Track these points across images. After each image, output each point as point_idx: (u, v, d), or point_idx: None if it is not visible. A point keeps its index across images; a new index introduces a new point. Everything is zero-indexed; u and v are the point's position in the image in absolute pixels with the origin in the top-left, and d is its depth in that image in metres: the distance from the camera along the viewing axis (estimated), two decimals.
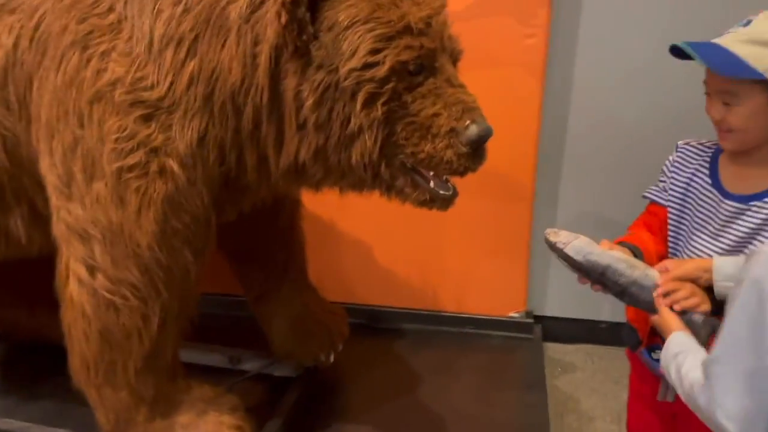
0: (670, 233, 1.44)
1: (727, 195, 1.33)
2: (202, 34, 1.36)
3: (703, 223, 1.37)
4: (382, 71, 1.25)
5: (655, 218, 1.49)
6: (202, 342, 2.10)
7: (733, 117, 1.25)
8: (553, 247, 1.36)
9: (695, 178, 1.41)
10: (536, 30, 2.06)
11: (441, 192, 1.38)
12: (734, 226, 1.31)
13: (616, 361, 2.47)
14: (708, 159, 1.40)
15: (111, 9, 1.39)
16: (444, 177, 1.40)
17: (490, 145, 1.35)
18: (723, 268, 1.24)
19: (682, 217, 1.42)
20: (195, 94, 1.38)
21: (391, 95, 1.28)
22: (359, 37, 1.25)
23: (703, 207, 1.38)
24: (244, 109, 1.38)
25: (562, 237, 1.36)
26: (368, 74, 1.25)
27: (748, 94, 1.22)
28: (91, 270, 1.45)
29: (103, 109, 1.38)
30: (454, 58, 1.38)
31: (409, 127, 1.30)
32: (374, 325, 2.47)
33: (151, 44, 1.37)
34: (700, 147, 1.44)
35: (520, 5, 2.05)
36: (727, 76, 1.22)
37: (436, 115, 1.29)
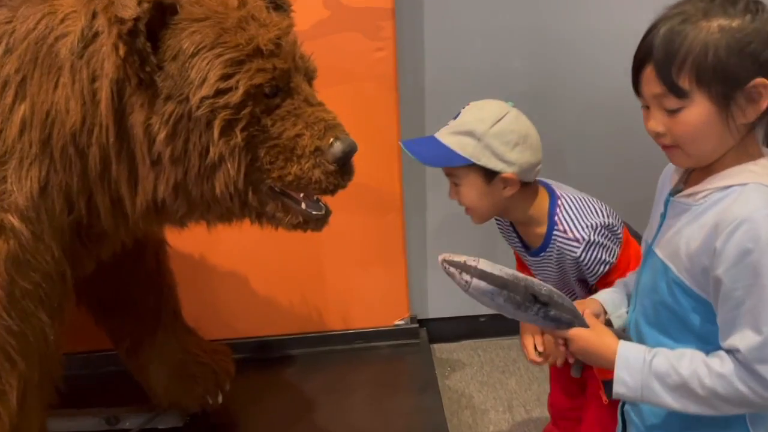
0: None
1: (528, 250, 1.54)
2: (29, 74, 1.24)
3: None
4: (236, 96, 1.20)
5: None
6: (72, 407, 1.93)
7: (463, 198, 1.44)
8: (464, 267, 1.08)
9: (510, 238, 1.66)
10: (384, 43, 2.10)
11: (314, 212, 1.36)
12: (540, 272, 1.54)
13: (499, 351, 2.57)
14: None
15: None
16: (314, 197, 1.37)
17: (356, 159, 1.35)
18: (609, 300, 1.22)
19: None
20: (30, 141, 1.26)
21: (250, 120, 1.23)
22: (207, 64, 1.20)
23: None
24: (89, 151, 1.28)
25: (463, 257, 1.09)
26: (222, 101, 1.20)
27: (468, 177, 1.40)
28: None
29: None
30: (309, 77, 1.36)
31: (273, 150, 1.27)
32: (261, 357, 2.39)
33: None
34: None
35: (365, 20, 2.07)
36: (441, 166, 1.42)
37: (299, 135, 1.26)
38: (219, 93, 1.20)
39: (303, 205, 1.35)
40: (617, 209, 1.53)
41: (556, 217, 1.43)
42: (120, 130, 1.25)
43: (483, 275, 1.07)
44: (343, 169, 1.30)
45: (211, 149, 1.23)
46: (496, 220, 1.60)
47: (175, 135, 1.22)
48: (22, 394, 1.35)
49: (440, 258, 1.11)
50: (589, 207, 1.45)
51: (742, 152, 1.01)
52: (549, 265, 1.49)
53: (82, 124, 1.25)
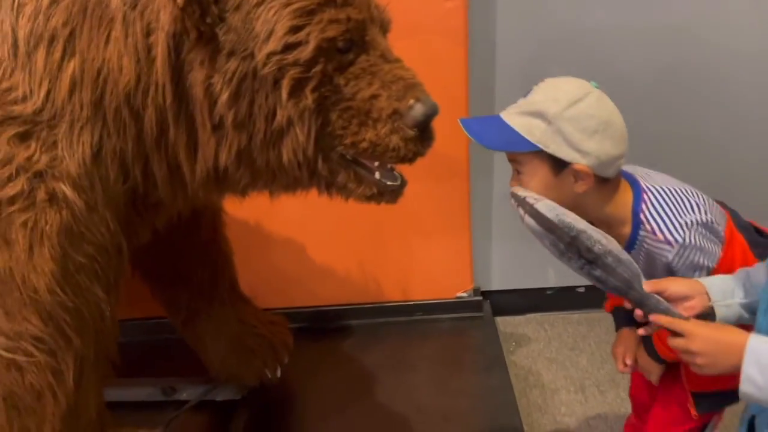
0: None
1: None
2: (78, 28, 1.12)
3: None
4: (306, 52, 1.06)
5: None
6: (127, 377, 1.87)
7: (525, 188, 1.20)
8: (522, 202, 1.14)
9: None
10: None
11: (389, 183, 1.22)
12: None
13: (568, 326, 2.42)
14: None
15: None
16: (389, 165, 1.24)
17: None
18: (714, 285, 1.09)
19: None
20: (80, 102, 1.14)
21: (321, 78, 1.09)
22: (274, 14, 1.05)
23: None
24: (144, 113, 1.16)
25: (531, 193, 1.15)
26: (291, 57, 1.06)
27: (533, 165, 1.19)
28: None
29: None
30: (384, 29, 1.21)
31: (346, 113, 1.13)
32: (317, 327, 2.30)
33: (15, 46, 1.12)
34: None
35: None
36: (504, 151, 1.21)
37: (375, 96, 1.12)
38: (287, 48, 1.06)
39: (377, 175, 1.21)
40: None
41: (641, 215, 1.21)
42: (178, 90, 1.12)
43: (535, 214, 1.11)
44: (423, 134, 1.16)
45: (278, 112, 1.10)
46: None
47: (239, 96, 1.09)
48: (79, 373, 1.27)
49: (510, 189, 1.18)
50: (682, 200, 1.22)
51: None
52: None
53: (136, 84, 1.13)
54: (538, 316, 2.50)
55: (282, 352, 1.94)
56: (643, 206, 1.21)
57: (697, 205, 1.22)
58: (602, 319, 2.41)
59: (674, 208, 1.21)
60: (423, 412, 1.90)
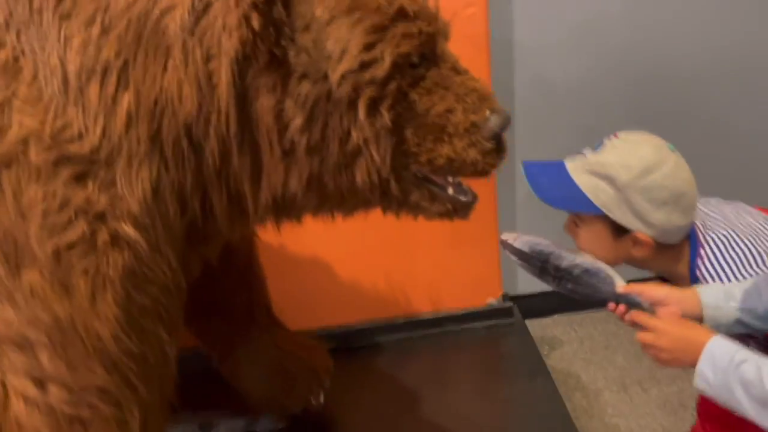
0: None
1: None
2: (132, 58, 1.06)
3: None
4: (382, 69, 1.01)
5: None
6: None
7: (581, 242, 1.22)
8: (504, 244, 1.33)
9: None
10: None
11: (462, 198, 1.18)
12: None
13: (597, 325, 2.41)
14: None
15: (0, 45, 1.05)
16: (458, 180, 1.20)
17: None
18: (709, 292, 1.09)
19: None
20: (137, 136, 1.08)
21: (396, 96, 1.05)
22: (346, 32, 1.01)
23: None
24: (205, 144, 1.10)
25: (513, 235, 1.32)
26: (367, 75, 1.01)
27: (593, 225, 1.19)
28: (41, 383, 1.12)
29: (17, 176, 1.04)
30: (447, 40, 1.17)
31: (420, 130, 1.08)
32: (349, 347, 2.24)
33: (66, 82, 1.05)
34: None
35: None
36: (563, 209, 1.20)
37: (450, 110, 1.07)
38: (363, 66, 1.01)
39: (450, 191, 1.17)
40: None
41: (698, 272, 1.18)
42: (242, 117, 1.07)
43: (513, 251, 1.30)
44: (498, 146, 1.12)
45: (353, 133, 1.05)
46: None
47: (313, 120, 1.04)
48: (144, 421, 1.20)
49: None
50: (739, 255, 1.15)
51: None
52: None
53: (197, 113, 1.07)
54: (564, 317, 2.48)
55: (324, 376, 1.88)
56: (700, 262, 1.18)
57: (754, 258, 1.16)
58: None
59: (731, 264, 1.16)
60: (473, 424, 1.86)
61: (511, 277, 2.39)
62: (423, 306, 2.29)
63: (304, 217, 1.25)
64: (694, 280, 1.19)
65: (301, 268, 2.18)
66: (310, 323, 2.18)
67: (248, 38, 0.98)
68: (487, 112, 1.08)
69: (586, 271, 1.15)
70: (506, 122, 1.10)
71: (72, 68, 1.04)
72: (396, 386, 2.06)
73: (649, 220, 1.13)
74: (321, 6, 1.00)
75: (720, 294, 1.09)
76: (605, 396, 2.07)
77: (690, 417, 1.96)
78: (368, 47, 1.01)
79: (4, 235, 1.06)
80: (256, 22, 0.95)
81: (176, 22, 1.03)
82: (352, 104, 1.03)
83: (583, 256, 1.18)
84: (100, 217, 1.07)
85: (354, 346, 2.24)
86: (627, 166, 1.13)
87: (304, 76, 1.02)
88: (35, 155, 1.03)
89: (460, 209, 1.18)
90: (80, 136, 1.05)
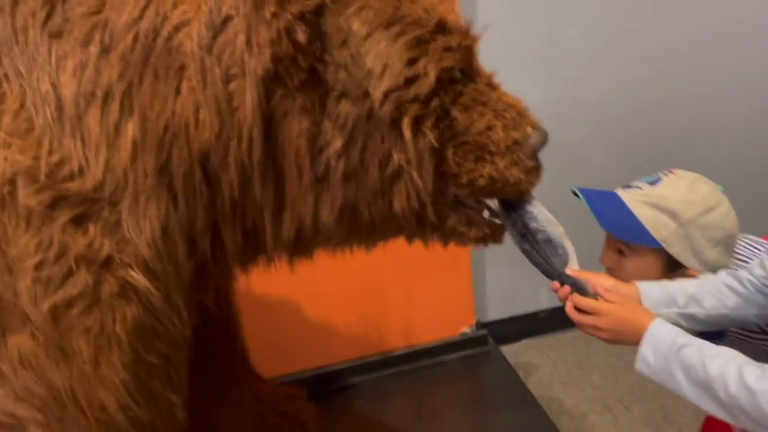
0: None
1: None
2: (137, 80, 0.92)
3: None
4: (426, 85, 0.94)
5: None
6: None
7: (625, 275, 1.17)
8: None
9: None
10: None
11: (497, 221, 1.11)
12: None
13: (567, 346, 2.40)
14: None
15: None
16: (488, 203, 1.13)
17: None
18: (651, 292, 1.09)
19: None
20: (144, 169, 0.93)
21: (440, 114, 0.97)
22: (386, 47, 0.92)
23: None
24: (222, 174, 0.97)
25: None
26: (411, 92, 0.93)
27: (647, 258, 1.16)
28: None
29: (3, 223, 0.88)
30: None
31: (461, 149, 1.01)
32: (326, 391, 2.10)
33: (60, 109, 0.90)
34: None
35: None
36: (623, 240, 1.17)
37: (491, 128, 1.01)
38: (407, 83, 0.93)
39: (485, 214, 1.10)
40: None
41: None
42: (267, 143, 0.95)
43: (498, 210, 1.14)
44: (537, 164, 1.06)
45: (394, 155, 0.96)
46: None
47: (352, 142, 0.94)
48: None
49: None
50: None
51: None
52: None
53: (216, 140, 0.94)
54: (533, 341, 2.46)
55: (311, 425, 1.74)
56: None
57: None
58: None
59: None
60: None
61: (481, 302, 2.35)
62: (397, 341, 2.20)
63: (322, 251, 1.13)
64: None
65: (271, 312, 2.03)
66: (281, 369, 2.03)
67: (286, 54, 0.87)
68: (528, 129, 1.03)
69: (549, 241, 1.10)
70: (546, 139, 1.05)
71: (67, 93, 0.90)
72: (381, 428, 1.95)
73: (704, 258, 1.13)
74: (358, 20, 0.91)
75: (661, 296, 1.09)
76: (591, 418, 2.05)
77: (658, 416, 1.99)
78: (411, 62, 0.93)
79: None
80: (302, 36, 0.85)
81: (192, 39, 0.91)
82: (395, 123, 0.94)
83: (556, 227, 1.12)
84: (105, 264, 0.92)
85: (330, 390, 2.10)
86: (690, 203, 1.13)
87: (343, 95, 0.92)
88: (26, 197, 0.87)
89: (496, 233, 1.11)
90: (80, 172, 0.90)
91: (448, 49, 0.96)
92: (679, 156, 2.26)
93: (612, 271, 1.20)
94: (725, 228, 1.14)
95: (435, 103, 0.96)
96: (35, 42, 0.90)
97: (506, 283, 2.34)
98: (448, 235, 1.09)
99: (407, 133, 0.93)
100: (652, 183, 1.17)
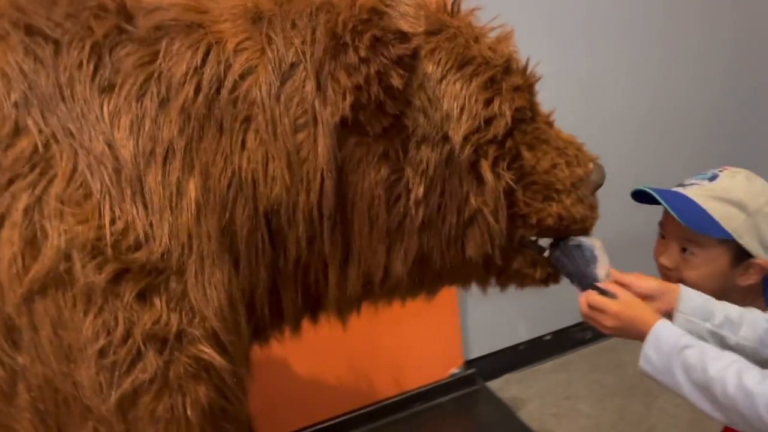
0: None
1: None
2: (199, 134, 0.84)
3: None
4: (504, 126, 0.91)
5: None
6: None
7: (691, 271, 1.19)
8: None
9: None
10: None
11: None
12: None
13: (549, 377, 2.40)
14: None
15: (17, 130, 0.77)
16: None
17: None
18: (691, 299, 1.10)
19: None
20: (208, 231, 0.85)
21: (514, 154, 0.95)
22: (462, 88, 0.89)
23: None
24: (289, 232, 0.90)
25: None
26: (490, 134, 0.90)
27: (714, 252, 1.18)
28: None
29: (58, 305, 0.76)
30: None
31: (530, 189, 0.99)
32: None
33: (118, 171, 0.80)
34: None
35: None
36: (702, 232, 1.17)
37: (555, 166, 1.00)
38: (486, 124, 0.90)
39: (546, 253, 1.08)
40: None
41: None
42: (338, 194, 0.89)
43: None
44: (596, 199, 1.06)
45: (471, 200, 0.92)
46: None
47: (432, 189, 0.89)
48: None
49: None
50: None
51: None
52: None
53: (287, 195, 0.87)
54: (514, 375, 2.44)
55: None
56: None
57: None
58: (571, 361, 2.46)
59: None
60: None
61: (464, 342, 2.32)
62: (389, 389, 2.12)
63: (386, 303, 1.07)
64: None
65: (257, 371, 1.91)
66: (274, 429, 1.90)
67: (372, 100, 0.82)
68: (591, 165, 1.02)
69: (579, 246, 1.08)
70: (605, 175, 1.05)
71: (125, 153, 0.80)
72: None
73: (757, 246, 1.15)
74: (432, 62, 0.88)
75: (701, 306, 1.10)
76: None
77: None
78: (487, 103, 0.90)
79: (39, 390, 0.75)
80: (398, 80, 0.80)
81: (261, 87, 0.84)
82: (474, 166, 0.91)
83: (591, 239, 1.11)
84: (176, 341, 0.81)
85: None
86: (755, 193, 1.15)
87: (423, 140, 0.88)
88: (89, 273, 0.76)
89: (556, 272, 1.09)
90: (146, 240, 0.79)
91: (517, 88, 0.94)
92: None
93: (674, 271, 1.20)
94: None
95: (509, 143, 0.94)
96: (84, 97, 0.80)
97: (486, 318, 2.33)
98: (511, 278, 1.06)
99: (488, 175, 0.90)
100: (710, 179, 1.19)
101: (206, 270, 0.84)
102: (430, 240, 0.93)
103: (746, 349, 1.07)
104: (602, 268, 1.08)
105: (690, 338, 0.98)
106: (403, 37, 0.77)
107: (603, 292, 1.04)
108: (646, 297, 1.06)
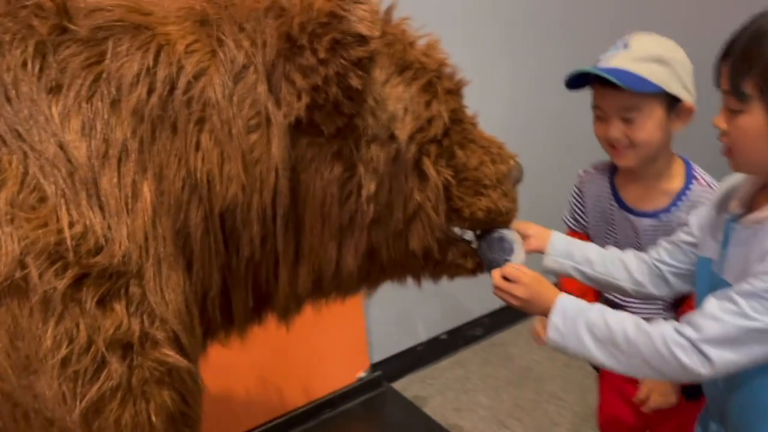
0: None
1: (634, 212, 1.41)
2: (150, 135, 0.83)
3: (622, 242, 1.43)
4: (441, 126, 0.98)
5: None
6: None
7: (639, 132, 1.32)
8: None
9: (600, 203, 1.48)
10: None
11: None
12: (649, 239, 1.38)
13: (446, 374, 2.52)
14: (607, 182, 1.48)
15: None
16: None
17: None
18: (557, 243, 1.25)
19: (603, 239, 1.48)
20: (163, 235, 0.84)
21: (450, 152, 1.02)
22: (404, 91, 0.95)
23: (617, 227, 1.46)
24: (243, 233, 0.91)
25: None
26: (431, 133, 0.97)
27: (651, 108, 1.32)
28: None
29: (15, 315, 0.72)
30: None
31: (462, 185, 1.06)
32: None
33: (72, 173, 0.77)
34: (596, 171, 1.51)
35: None
36: (641, 91, 1.29)
37: (482, 163, 1.08)
38: (428, 124, 0.96)
39: (474, 245, 1.16)
40: None
41: (694, 172, 1.38)
42: (293, 194, 0.91)
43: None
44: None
45: (415, 195, 0.98)
46: (581, 176, 1.52)
47: (382, 185, 0.94)
48: None
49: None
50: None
51: None
52: (659, 229, 1.37)
53: (242, 194, 0.88)
54: (414, 375, 2.53)
55: None
56: (694, 168, 1.39)
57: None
58: (466, 357, 2.59)
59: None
60: None
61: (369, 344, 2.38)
62: (298, 399, 2.12)
63: (329, 300, 1.10)
64: (690, 178, 1.37)
65: None
66: None
67: (330, 101, 0.85)
68: (512, 161, 1.12)
69: (501, 239, 1.17)
70: (523, 170, 1.15)
71: (78, 156, 0.77)
72: None
73: (689, 88, 1.30)
74: (377, 66, 0.93)
75: (564, 249, 1.25)
76: None
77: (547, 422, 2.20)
78: (427, 105, 0.97)
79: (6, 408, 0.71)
80: (357, 81, 0.83)
81: (215, 88, 0.85)
82: (417, 164, 0.97)
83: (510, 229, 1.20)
84: (139, 347, 0.79)
85: None
86: (666, 47, 1.30)
87: (373, 139, 0.92)
88: (45, 280, 0.73)
89: (482, 263, 1.17)
90: (106, 243, 0.77)
91: (449, 91, 1.01)
92: None
93: (622, 139, 1.30)
94: (689, 63, 1.32)
95: (446, 142, 1.01)
96: (31, 98, 0.76)
97: (387, 322, 2.40)
98: (445, 269, 1.13)
99: (431, 171, 0.96)
100: (623, 47, 1.31)
101: (163, 273, 0.83)
102: (378, 234, 0.98)
103: (602, 281, 1.25)
104: (518, 257, 1.18)
105: (588, 304, 1.06)
106: (362, 40, 0.81)
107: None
108: (528, 236, 1.21)
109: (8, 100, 0.75)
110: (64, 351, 0.73)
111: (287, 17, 0.86)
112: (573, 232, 1.52)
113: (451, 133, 1.02)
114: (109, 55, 0.82)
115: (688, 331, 0.95)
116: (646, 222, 1.39)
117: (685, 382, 1.23)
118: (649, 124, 1.30)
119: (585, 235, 1.51)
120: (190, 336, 0.86)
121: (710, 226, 1.11)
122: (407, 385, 2.47)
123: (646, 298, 1.31)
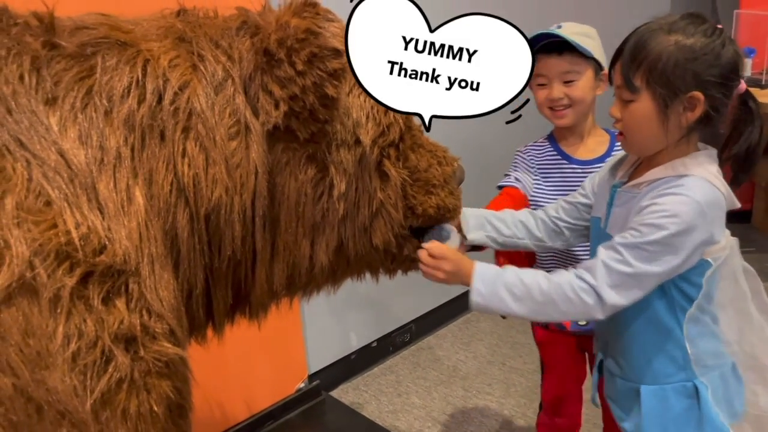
0: (531, 204, 1.69)
1: (573, 161, 1.67)
2: (138, 143, 0.89)
3: (558, 188, 1.66)
4: (398, 131, 1.09)
5: (510, 198, 1.68)
6: None
7: (577, 91, 1.59)
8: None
9: (544, 156, 1.70)
10: None
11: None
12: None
13: (379, 380, 2.61)
14: (553, 149, 1.70)
15: None
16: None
17: None
18: (470, 219, 1.39)
19: (540, 188, 1.69)
20: (155, 235, 0.89)
21: (405, 155, 1.13)
22: (365, 99, 1.06)
23: (556, 174, 1.68)
24: (225, 233, 0.98)
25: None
26: (390, 137, 1.08)
27: (586, 71, 1.60)
28: None
29: (25, 314, 0.76)
30: None
31: (415, 185, 1.17)
32: None
33: (72, 179, 0.82)
34: (535, 144, 1.73)
35: None
36: (583, 54, 1.58)
37: (430, 165, 1.20)
38: (387, 129, 1.07)
39: (425, 241, 1.27)
40: None
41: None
42: (271, 195, 0.99)
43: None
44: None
45: (378, 194, 1.08)
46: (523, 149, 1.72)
47: (350, 185, 1.04)
48: None
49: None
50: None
51: (680, 151, 1.16)
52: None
53: (226, 196, 0.95)
54: (349, 384, 2.61)
55: None
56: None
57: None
58: (396, 363, 2.70)
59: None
60: None
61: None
62: (240, 413, 2.14)
63: (300, 296, 1.18)
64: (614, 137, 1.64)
65: None
66: None
67: (308, 108, 0.94)
68: (456, 164, 1.25)
69: (440, 228, 1.28)
70: (464, 171, 1.28)
71: (78, 162, 0.82)
72: None
73: (603, 60, 1.59)
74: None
75: (476, 222, 1.38)
76: None
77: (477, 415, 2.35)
78: (386, 113, 1.08)
79: (10, 402, 0.74)
80: (333, 90, 0.93)
81: (199, 99, 0.92)
82: (379, 165, 1.07)
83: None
84: (141, 340, 0.84)
85: None
86: (589, 28, 1.60)
87: (341, 144, 1.02)
88: (56, 278, 0.77)
89: None
90: (109, 243, 0.82)
91: None
92: None
93: (564, 99, 1.56)
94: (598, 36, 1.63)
95: (402, 146, 1.12)
96: (30, 109, 0.81)
97: (322, 332, 2.47)
98: (401, 264, 1.23)
99: (392, 172, 1.08)
100: (557, 27, 1.56)
101: (156, 272, 0.89)
102: (346, 231, 1.07)
103: (510, 242, 1.42)
104: (453, 243, 1.31)
105: (501, 268, 1.20)
106: (337, 53, 0.91)
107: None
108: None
109: (9, 111, 0.79)
110: (74, 346, 0.77)
111: (264, 34, 0.95)
112: (510, 188, 1.70)
113: (405, 138, 1.14)
114: (99, 69, 0.87)
115: (588, 276, 1.13)
116: (580, 168, 1.64)
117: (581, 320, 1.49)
118: (584, 84, 1.58)
119: (520, 193, 1.69)
120: (181, 329, 0.92)
121: (601, 190, 1.33)
122: (343, 393, 2.54)
123: (547, 251, 1.56)
